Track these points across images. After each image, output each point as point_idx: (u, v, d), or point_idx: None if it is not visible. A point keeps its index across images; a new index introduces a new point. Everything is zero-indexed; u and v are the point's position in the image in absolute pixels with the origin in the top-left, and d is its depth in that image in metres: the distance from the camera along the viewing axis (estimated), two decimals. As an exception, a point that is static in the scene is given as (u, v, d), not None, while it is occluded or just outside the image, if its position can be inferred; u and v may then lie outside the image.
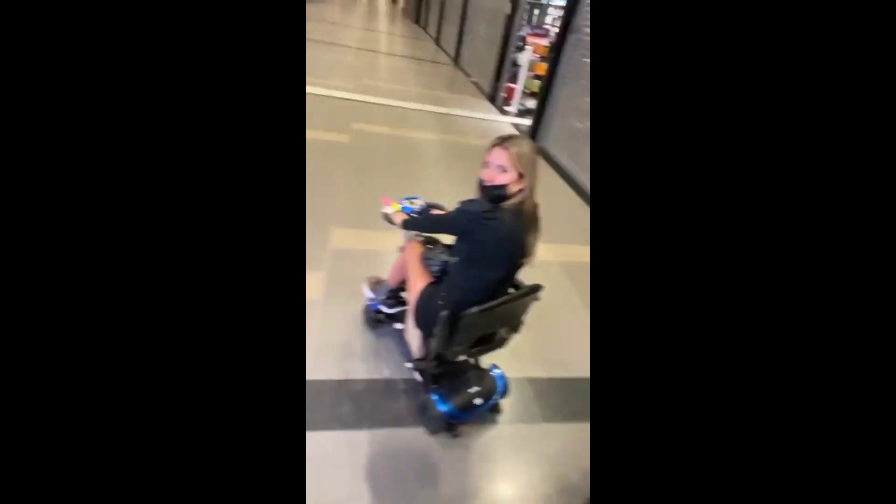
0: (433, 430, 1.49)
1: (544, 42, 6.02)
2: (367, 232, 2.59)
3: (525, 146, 1.22)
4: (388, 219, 1.55)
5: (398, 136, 4.40)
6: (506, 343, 1.50)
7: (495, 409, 1.61)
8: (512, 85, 6.33)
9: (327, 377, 1.65)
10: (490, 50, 6.92)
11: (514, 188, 1.23)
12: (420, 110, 5.44)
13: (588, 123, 3.84)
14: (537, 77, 6.03)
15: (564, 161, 4.24)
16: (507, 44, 6.08)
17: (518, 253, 1.29)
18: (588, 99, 3.84)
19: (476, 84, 7.63)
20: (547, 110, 4.69)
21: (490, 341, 1.45)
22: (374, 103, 5.26)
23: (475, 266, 1.28)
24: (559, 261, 2.70)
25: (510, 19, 5.91)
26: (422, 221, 1.48)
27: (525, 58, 5.95)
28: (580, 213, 3.53)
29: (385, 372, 1.73)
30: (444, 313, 1.25)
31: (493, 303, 1.25)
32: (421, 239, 1.63)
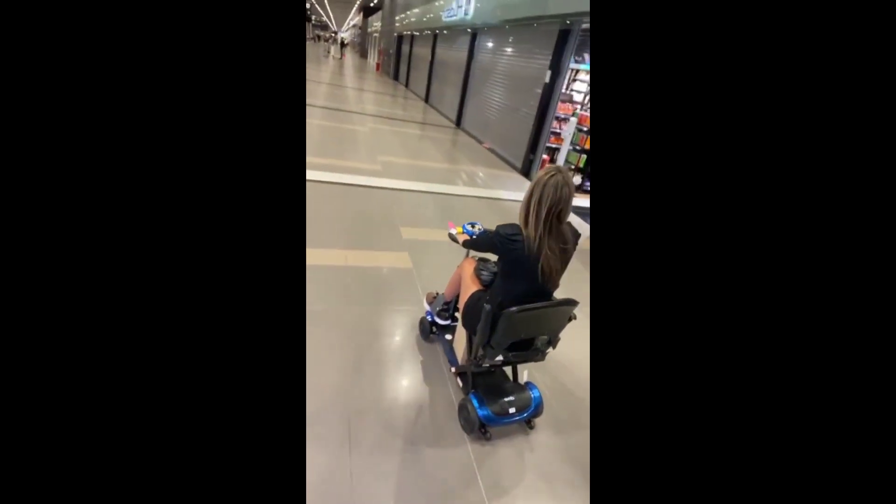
0: (468, 429, 1.62)
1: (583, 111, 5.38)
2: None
3: (544, 174, 1.30)
4: (452, 238, 1.82)
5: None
6: (544, 356, 1.60)
7: (529, 424, 1.72)
8: (546, 158, 5.60)
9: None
10: (513, 117, 6.22)
11: None
12: (462, 195, 4.49)
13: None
14: (584, 151, 5.32)
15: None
16: (546, 114, 5.37)
17: (538, 273, 1.36)
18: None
19: (492, 151, 6.88)
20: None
21: (528, 349, 1.54)
22: (407, 190, 4.26)
23: (507, 279, 1.45)
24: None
25: (549, 88, 5.23)
26: (475, 241, 1.64)
27: (568, 130, 5.24)
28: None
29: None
30: (488, 307, 1.41)
31: (530, 305, 1.36)
32: (476, 257, 1.86)
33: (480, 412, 1.55)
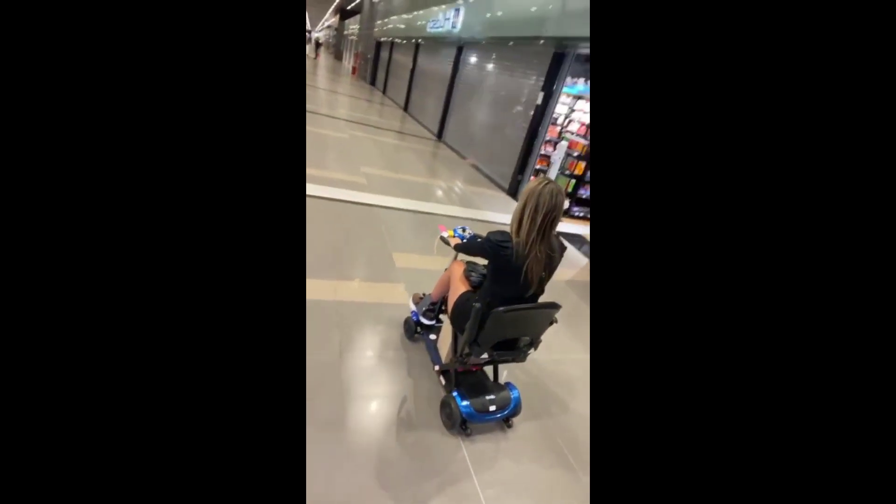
0: (449, 425, 1.68)
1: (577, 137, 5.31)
2: None
3: (537, 184, 1.39)
4: (444, 241, 1.90)
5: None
6: (525, 357, 1.69)
7: (507, 422, 1.79)
8: (534, 178, 5.49)
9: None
10: (500, 135, 6.09)
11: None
12: (454, 216, 4.25)
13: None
14: (573, 176, 5.24)
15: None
16: (536, 136, 5.26)
17: (524, 279, 1.44)
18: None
19: (476, 167, 6.72)
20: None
21: (512, 349, 1.63)
22: (396, 208, 3.97)
23: (496, 282, 1.51)
24: None
25: (541, 110, 5.13)
26: (466, 245, 1.70)
27: (557, 154, 5.16)
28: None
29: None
30: (477, 305, 1.48)
31: (517, 306, 1.45)
32: (465, 260, 1.88)
33: (463, 408, 1.62)
